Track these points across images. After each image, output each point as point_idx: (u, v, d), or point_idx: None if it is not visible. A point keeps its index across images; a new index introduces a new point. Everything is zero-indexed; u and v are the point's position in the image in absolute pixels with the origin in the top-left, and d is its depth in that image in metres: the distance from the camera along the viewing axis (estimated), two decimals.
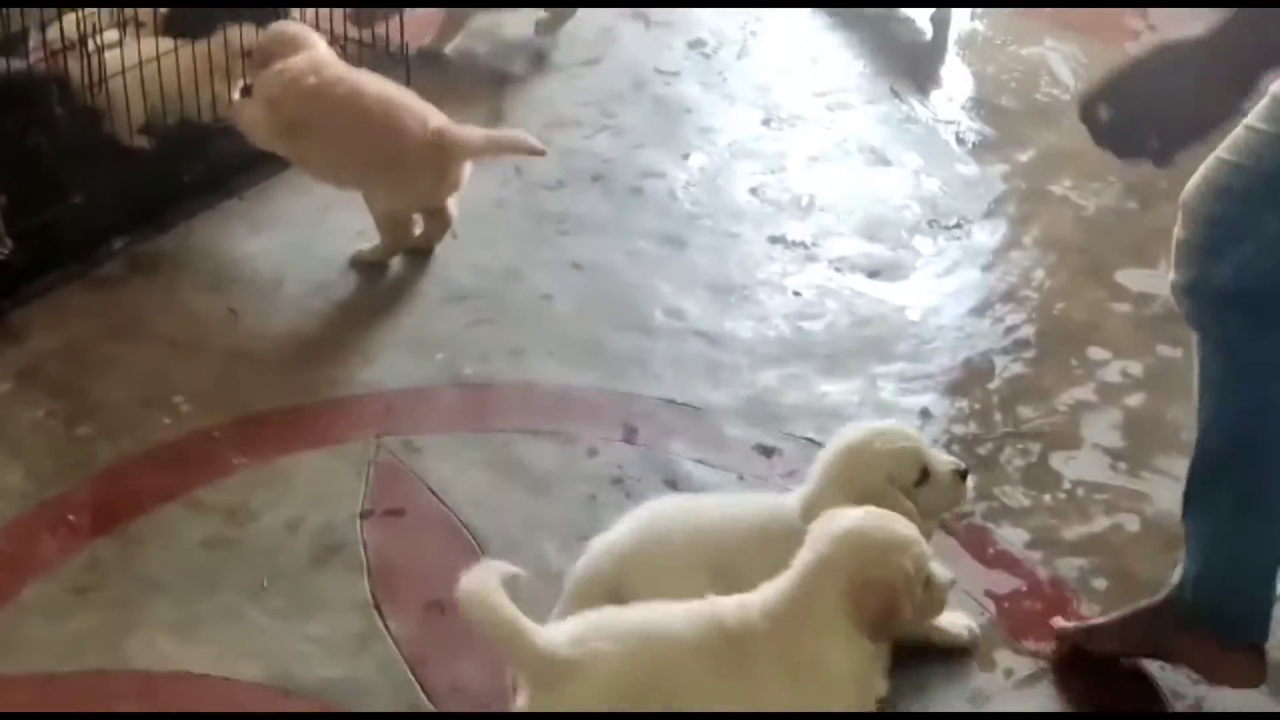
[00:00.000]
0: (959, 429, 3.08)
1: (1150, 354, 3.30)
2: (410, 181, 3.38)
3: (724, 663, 2.13)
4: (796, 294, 3.48)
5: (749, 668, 2.13)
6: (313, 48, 3.45)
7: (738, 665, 2.13)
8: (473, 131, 3.46)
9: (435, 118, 3.40)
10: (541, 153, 3.49)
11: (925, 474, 2.42)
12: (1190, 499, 2.38)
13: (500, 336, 3.31)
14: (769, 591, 2.17)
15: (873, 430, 2.46)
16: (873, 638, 2.14)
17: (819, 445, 2.95)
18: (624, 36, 4.44)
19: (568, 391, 3.16)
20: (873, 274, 3.55)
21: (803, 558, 2.17)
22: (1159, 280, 3.49)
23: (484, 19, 4.38)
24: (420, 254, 3.51)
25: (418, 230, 3.51)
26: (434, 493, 2.87)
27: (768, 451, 3.01)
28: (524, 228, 3.66)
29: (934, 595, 2.19)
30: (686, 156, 3.94)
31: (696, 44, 4.42)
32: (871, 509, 2.20)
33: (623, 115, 4.09)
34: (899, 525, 2.17)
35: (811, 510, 2.31)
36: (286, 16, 3.87)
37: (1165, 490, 2.93)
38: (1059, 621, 2.59)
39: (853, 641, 2.13)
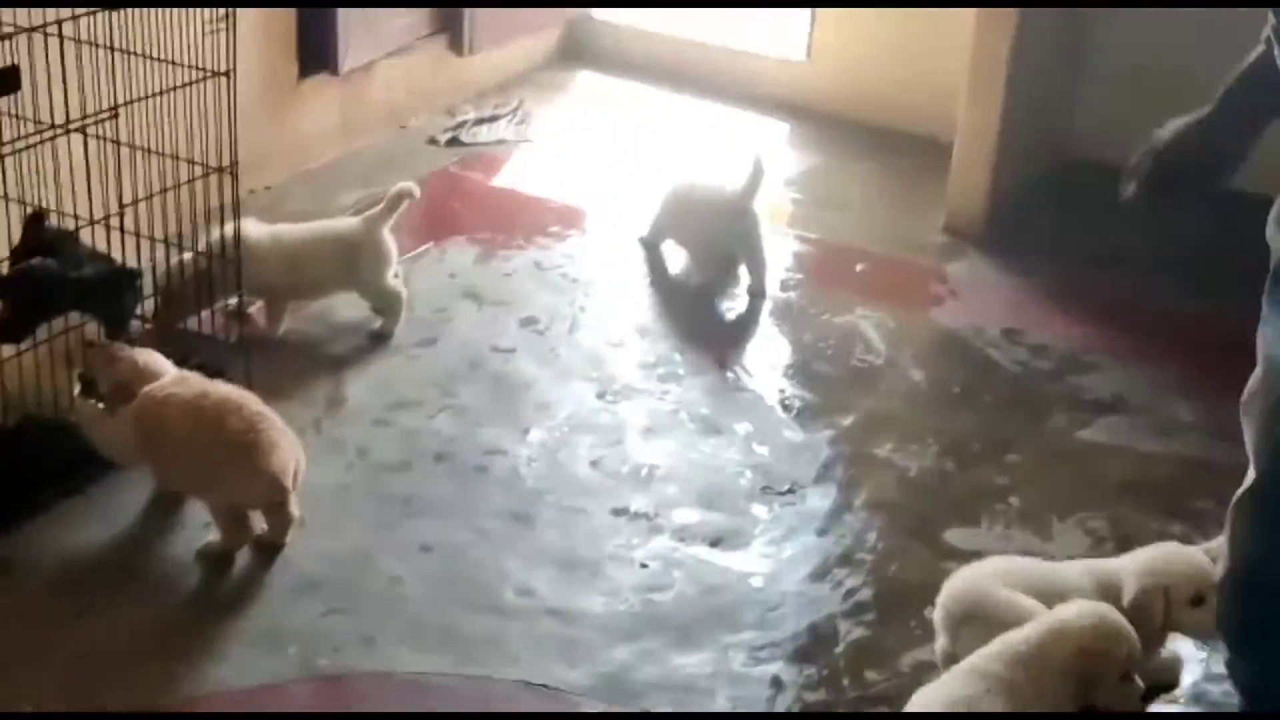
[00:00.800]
0: (810, 696, 3.18)
1: None
2: (220, 486, 3.42)
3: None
4: (644, 566, 3.57)
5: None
6: (167, 372, 3.52)
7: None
8: (278, 466, 3.40)
9: (259, 441, 3.36)
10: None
11: (1200, 598, 3.02)
12: None
13: (352, 625, 3.32)
14: (1019, 646, 2.84)
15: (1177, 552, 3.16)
16: (1080, 700, 2.81)
17: None
18: (458, 316, 4.57)
19: (422, 680, 3.18)
20: (715, 543, 3.67)
21: (1043, 622, 2.87)
22: (983, 537, 3.71)
23: (317, 305, 4.47)
24: (268, 547, 3.51)
25: (263, 525, 3.51)
26: None
27: None
28: (370, 511, 3.71)
29: (1132, 688, 2.86)
30: (526, 432, 4.05)
31: (529, 321, 4.57)
32: (1101, 605, 2.92)
33: (462, 394, 4.19)
34: (1120, 618, 2.88)
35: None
36: (128, 307, 3.92)
37: None
38: None
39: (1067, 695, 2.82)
